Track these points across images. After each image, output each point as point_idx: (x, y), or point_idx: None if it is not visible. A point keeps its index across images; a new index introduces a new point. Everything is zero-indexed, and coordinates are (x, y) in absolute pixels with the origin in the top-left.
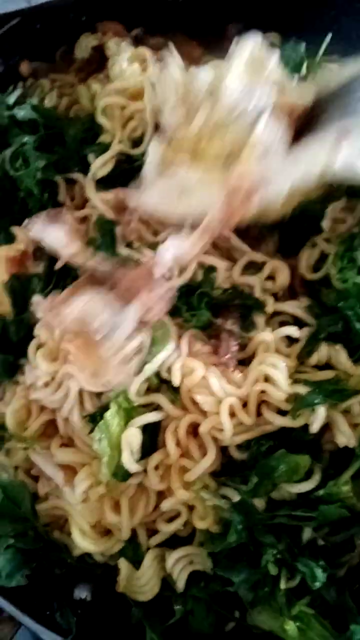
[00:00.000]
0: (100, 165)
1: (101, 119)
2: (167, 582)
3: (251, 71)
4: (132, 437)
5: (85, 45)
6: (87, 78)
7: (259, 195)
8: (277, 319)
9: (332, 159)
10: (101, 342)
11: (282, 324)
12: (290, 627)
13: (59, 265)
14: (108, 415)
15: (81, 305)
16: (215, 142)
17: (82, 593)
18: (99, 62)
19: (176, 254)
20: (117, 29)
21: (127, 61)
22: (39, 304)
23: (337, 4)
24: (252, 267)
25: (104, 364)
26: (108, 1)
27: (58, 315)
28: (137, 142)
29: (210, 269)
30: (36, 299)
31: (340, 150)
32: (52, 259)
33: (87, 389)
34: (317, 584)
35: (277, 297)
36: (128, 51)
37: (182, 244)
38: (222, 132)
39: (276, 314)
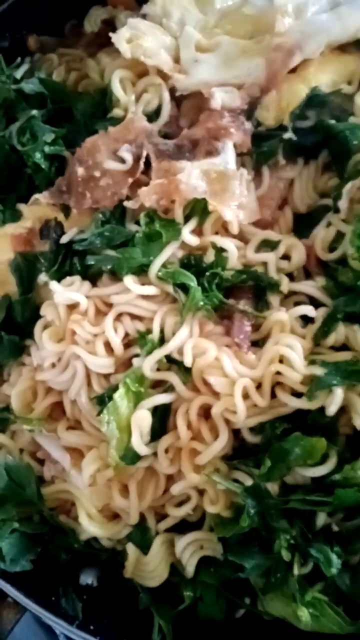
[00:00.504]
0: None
1: (118, 91)
2: (175, 567)
3: None
4: (142, 419)
5: (95, 19)
6: (96, 52)
7: (298, 54)
8: (292, 299)
9: None
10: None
11: (298, 305)
12: (304, 613)
13: (64, 239)
14: (117, 396)
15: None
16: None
17: (87, 578)
18: (109, 36)
19: (224, 98)
20: (128, 1)
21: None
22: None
23: None
24: (267, 246)
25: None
26: None
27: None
28: (149, 116)
29: (222, 250)
30: (42, 278)
31: None
32: (59, 237)
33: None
34: (333, 570)
35: (292, 278)
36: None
37: (229, 92)
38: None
39: (291, 294)
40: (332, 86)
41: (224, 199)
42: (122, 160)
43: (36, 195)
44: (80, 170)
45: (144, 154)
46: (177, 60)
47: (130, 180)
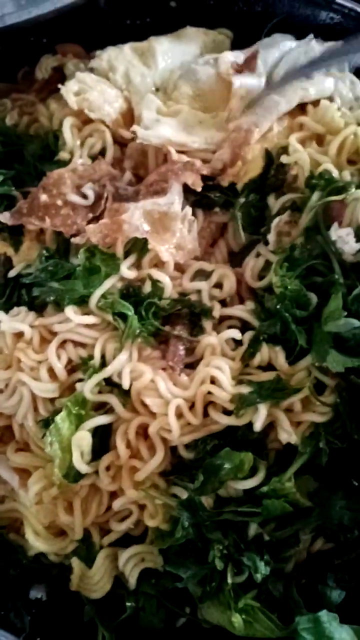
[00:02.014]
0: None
1: (67, 135)
2: (119, 579)
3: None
4: (81, 439)
5: (45, 66)
6: (47, 97)
7: (256, 132)
8: (227, 324)
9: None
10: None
11: (230, 329)
12: (237, 619)
13: (12, 273)
14: (58, 419)
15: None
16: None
17: (37, 593)
18: (58, 82)
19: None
20: (77, 50)
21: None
22: None
23: None
24: (201, 275)
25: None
26: (67, 24)
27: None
28: (93, 159)
29: (158, 281)
30: None
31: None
32: (8, 271)
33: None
34: (259, 576)
35: (225, 304)
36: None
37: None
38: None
39: (225, 319)
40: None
41: (164, 238)
42: (85, 197)
43: None
44: (43, 197)
45: (105, 195)
46: (122, 111)
47: (90, 215)
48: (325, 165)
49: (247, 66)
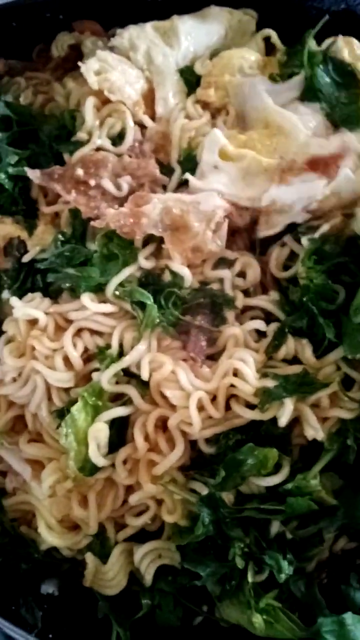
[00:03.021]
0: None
1: (89, 116)
2: (135, 576)
3: None
4: (99, 431)
5: (62, 44)
6: (63, 76)
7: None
8: (249, 314)
9: None
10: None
11: (253, 319)
12: (258, 620)
13: (26, 258)
14: (74, 409)
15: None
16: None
17: (49, 588)
18: (75, 61)
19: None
20: (95, 28)
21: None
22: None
23: None
24: (224, 264)
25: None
26: (85, 0)
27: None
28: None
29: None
30: (5, 294)
31: None
32: (22, 255)
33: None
34: (282, 576)
35: (248, 294)
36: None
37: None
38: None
39: (248, 309)
40: None
41: (181, 239)
42: (119, 187)
43: (27, 170)
44: (79, 171)
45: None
46: (144, 93)
47: (116, 206)
48: None
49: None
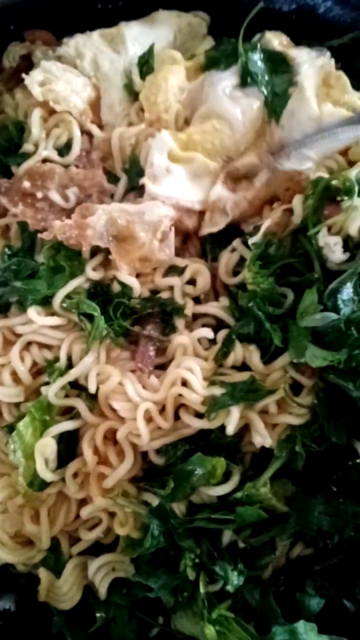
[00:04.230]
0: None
1: (34, 127)
2: (90, 589)
3: None
4: (46, 447)
5: (13, 54)
6: (15, 86)
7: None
8: (201, 322)
9: None
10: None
11: (202, 328)
12: (210, 631)
13: None
14: (21, 425)
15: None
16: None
17: (6, 604)
18: (27, 71)
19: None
20: (46, 37)
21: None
22: None
23: None
24: (174, 271)
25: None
26: (36, 10)
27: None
28: (60, 151)
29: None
30: None
31: None
32: None
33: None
34: (230, 587)
35: (200, 301)
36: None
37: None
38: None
39: (200, 317)
40: None
41: (127, 249)
42: (66, 199)
43: None
44: (26, 184)
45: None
46: (91, 100)
47: (64, 218)
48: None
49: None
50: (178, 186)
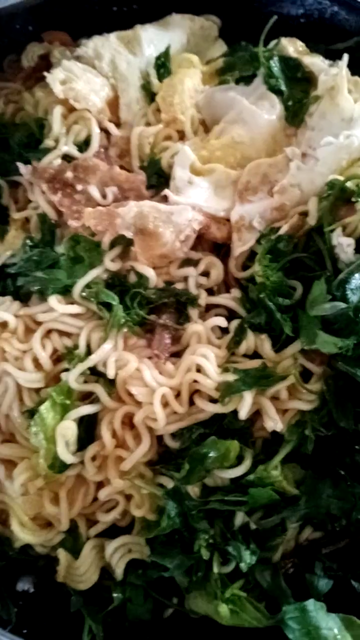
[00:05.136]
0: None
1: (55, 123)
2: (106, 571)
3: None
4: (66, 429)
5: (31, 54)
6: (34, 85)
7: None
8: (213, 312)
9: None
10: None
11: (216, 317)
12: (224, 609)
13: None
14: (43, 408)
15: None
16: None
17: (24, 585)
18: (45, 70)
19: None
20: (63, 38)
21: (62, 74)
22: None
23: None
24: (189, 264)
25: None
26: (54, 11)
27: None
28: (79, 146)
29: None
30: None
31: None
32: None
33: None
34: (243, 565)
35: (212, 292)
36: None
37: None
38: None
39: (212, 308)
40: None
41: (150, 245)
42: (104, 195)
43: (19, 165)
44: (69, 174)
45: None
46: (109, 100)
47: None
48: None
49: None
50: (201, 196)
